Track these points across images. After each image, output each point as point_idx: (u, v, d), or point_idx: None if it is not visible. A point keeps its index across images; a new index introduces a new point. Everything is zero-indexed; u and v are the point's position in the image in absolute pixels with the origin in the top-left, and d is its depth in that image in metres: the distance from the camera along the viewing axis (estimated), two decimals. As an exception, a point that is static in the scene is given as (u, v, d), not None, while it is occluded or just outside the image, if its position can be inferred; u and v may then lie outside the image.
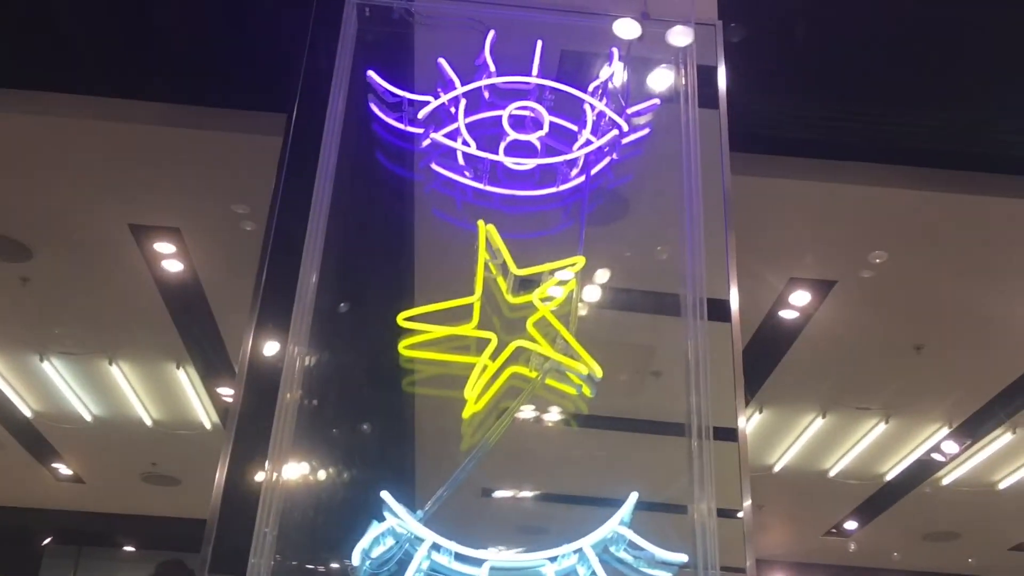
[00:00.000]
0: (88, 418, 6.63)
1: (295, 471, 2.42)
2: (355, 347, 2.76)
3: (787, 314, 5.08)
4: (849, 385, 5.87)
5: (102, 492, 7.87)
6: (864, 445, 6.50)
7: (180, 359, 5.92)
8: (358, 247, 2.86)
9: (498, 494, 2.59)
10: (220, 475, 2.34)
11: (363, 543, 2.16)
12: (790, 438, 6.53)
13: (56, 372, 6.11)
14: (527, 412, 2.54)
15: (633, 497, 2.29)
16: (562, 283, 2.58)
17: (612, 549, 2.25)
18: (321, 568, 2.40)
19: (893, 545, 8.05)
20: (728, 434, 2.53)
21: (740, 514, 2.44)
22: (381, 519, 2.22)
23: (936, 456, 6.52)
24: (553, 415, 2.59)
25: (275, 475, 2.32)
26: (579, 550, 2.20)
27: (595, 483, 2.57)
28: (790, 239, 4.60)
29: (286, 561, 2.28)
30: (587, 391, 2.50)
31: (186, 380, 6.15)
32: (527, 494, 2.61)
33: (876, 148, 3.98)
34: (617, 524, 2.24)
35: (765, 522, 7.31)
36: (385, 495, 2.21)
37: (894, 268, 4.67)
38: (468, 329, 2.51)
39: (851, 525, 7.76)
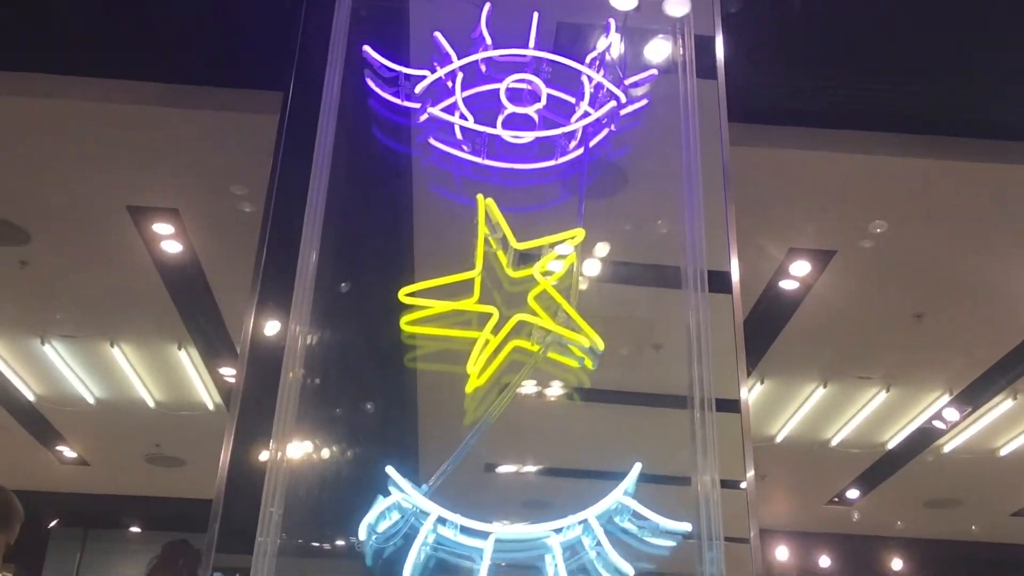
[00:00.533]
0: (91, 400, 6.65)
1: (299, 450, 2.42)
2: (356, 324, 2.76)
3: (787, 284, 5.08)
4: (850, 354, 5.88)
5: (107, 474, 7.90)
6: (865, 414, 6.51)
7: (181, 340, 5.92)
8: (357, 224, 2.85)
9: (501, 469, 2.59)
10: (224, 455, 2.35)
11: (369, 518, 2.17)
12: (791, 408, 6.55)
13: (57, 355, 6.12)
14: (530, 387, 2.54)
15: (636, 468, 2.30)
16: (562, 257, 2.58)
17: (616, 519, 2.26)
18: (327, 546, 2.41)
19: (895, 513, 8.09)
20: (730, 405, 2.54)
21: (743, 485, 2.45)
22: (387, 494, 2.23)
23: (937, 424, 6.54)
24: (555, 389, 2.59)
25: (279, 454, 2.32)
26: (584, 521, 2.21)
27: (598, 456, 2.57)
28: (789, 209, 4.59)
29: (292, 540, 2.29)
30: (589, 363, 2.50)
31: (188, 361, 6.16)
32: (530, 469, 2.62)
33: (876, 116, 3.96)
34: (621, 495, 2.25)
35: (767, 492, 7.35)
36: (390, 470, 2.22)
37: (894, 237, 4.66)
38: (469, 304, 2.51)
39: (853, 494, 7.80)
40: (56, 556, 8.29)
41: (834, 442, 6.93)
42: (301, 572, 2.50)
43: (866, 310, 5.36)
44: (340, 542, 2.39)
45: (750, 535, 2.39)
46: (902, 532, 8.36)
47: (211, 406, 6.66)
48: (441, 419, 2.68)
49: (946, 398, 6.25)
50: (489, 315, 2.48)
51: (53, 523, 7.76)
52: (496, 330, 2.45)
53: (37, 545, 8.11)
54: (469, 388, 2.40)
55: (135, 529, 8.54)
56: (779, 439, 6.87)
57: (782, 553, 8.51)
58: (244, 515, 2.27)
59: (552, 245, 2.56)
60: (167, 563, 3.51)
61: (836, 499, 7.94)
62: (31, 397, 6.65)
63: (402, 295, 2.51)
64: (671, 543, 2.28)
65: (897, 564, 8.51)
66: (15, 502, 2.98)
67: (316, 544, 2.41)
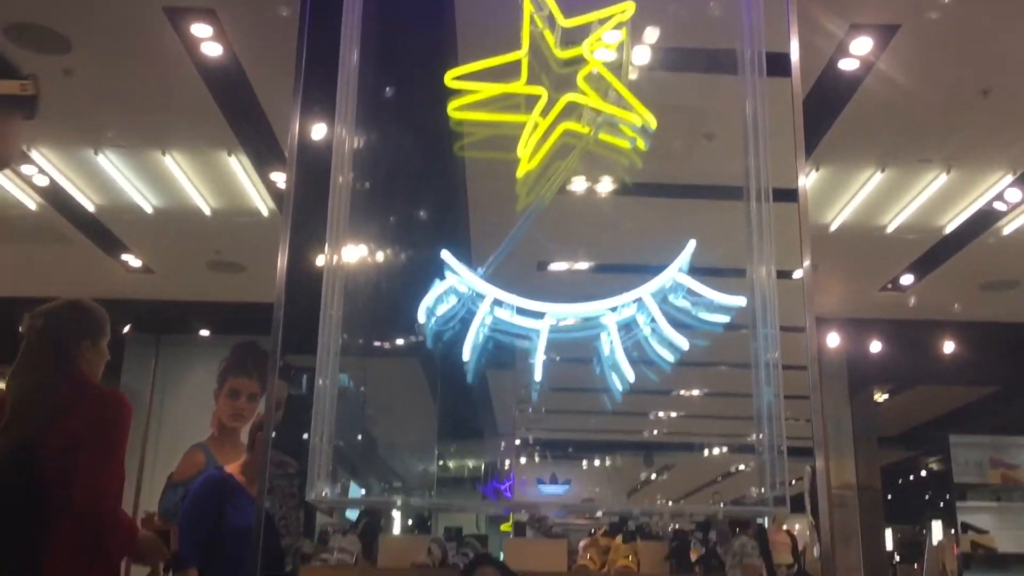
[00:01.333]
0: (148, 210, 6.76)
1: (353, 250, 2.44)
2: (403, 118, 2.72)
3: (847, 64, 4.87)
4: (910, 136, 5.69)
5: (172, 281, 8.15)
6: (924, 198, 6.39)
7: (231, 147, 5.92)
8: (397, 14, 2.76)
9: (554, 267, 2.61)
10: (281, 261, 2.39)
11: (427, 300, 2.22)
12: (847, 195, 6.44)
13: (112, 165, 6.18)
14: (580, 182, 2.51)
15: (691, 244, 2.29)
16: (609, 45, 2.48)
17: (671, 298, 2.28)
18: (387, 344, 2.48)
19: (950, 297, 8.07)
20: (787, 195, 2.48)
21: (797, 275, 2.43)
22: (443, 279, 2.26)
23: (998, 205, 6.40)
24: (607, 184, 2.56)
25: (335, 257, 2.35)
26: (638, 299, 2.23)
27: (650, 250, 2.56)
28: (851, -20, 4.33)
29: (353, 338, 2.35)
30: (641, 144, 2.45)
31: (239, 168, 6.19)
32: (583, 265, 2.63)
33: None
34: (675, 272, 2.26)
35: (820, 281, 7.35)
36: (446, 254, 2.24)
37: (962, 7, 4.40)
38: (518, 86, 2.45)
39: (907, 279, 7.77)
40: (132, 361, 8.67)
41: (890, 228, 6.84)
42: (363, 368, 2.58)
43: (930, 88, 5.14)
44: (400, 341, 2.45)
45: (806, 325, 2.40)
46: (956, 315, 8.36)
47: (265, 212, 6.75)
48: (492, 206, 2.67)
49: (1009, 178, 6.09)
50: (538, 97, 2.41)
51: (126, 329, 8.06)
52: (545, 112, 2.40)
53: (114, 351, 8.44)
54: (520, 173, 2.38)
55: (204, 333, 8.88)
56: (833, 227, 6.79)
57: (833, 340, 8.62)
58: (306, 316, 2.33)
59: (601, 20, 2.45)
60: (237, 364, 3.64)
61: (890, 285, 7.92)
62: (91, 208, 6.77)
63: (448, 79, 2.45)
64: (725, 319, 2.29)
65: (950, 347, 8.58)
66: (97, 308, 3.08)
67: (376, 344, 2.48)
